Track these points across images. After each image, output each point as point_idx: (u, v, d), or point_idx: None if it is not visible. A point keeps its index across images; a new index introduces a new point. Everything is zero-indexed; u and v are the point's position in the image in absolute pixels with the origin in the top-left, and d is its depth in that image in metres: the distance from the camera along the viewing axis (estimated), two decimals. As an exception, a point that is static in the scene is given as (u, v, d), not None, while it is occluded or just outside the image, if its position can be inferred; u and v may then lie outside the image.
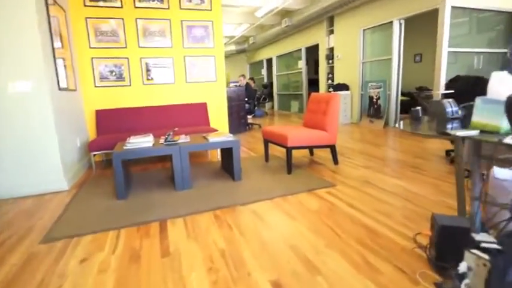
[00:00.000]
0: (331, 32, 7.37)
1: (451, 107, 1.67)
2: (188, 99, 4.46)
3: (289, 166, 2.99)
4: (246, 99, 6.14)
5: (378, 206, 2.12)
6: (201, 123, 4.30)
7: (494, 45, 5.18)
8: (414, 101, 8.28)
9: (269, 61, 11.38)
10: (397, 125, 5.59)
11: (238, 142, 2.79)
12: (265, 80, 11.76)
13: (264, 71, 12.03)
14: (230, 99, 5.77)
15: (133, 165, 3.68)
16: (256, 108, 9.52)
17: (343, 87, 6.78)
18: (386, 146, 4.15)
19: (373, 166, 3.15)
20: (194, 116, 4.30)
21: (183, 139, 2.85)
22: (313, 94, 3.56)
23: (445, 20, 4.52)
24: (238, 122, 5.92)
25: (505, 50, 5.21)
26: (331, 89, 7.11)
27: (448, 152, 3.41)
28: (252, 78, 9.82)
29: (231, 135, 2.90)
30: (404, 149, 3.90)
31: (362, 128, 5.98)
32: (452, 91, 3.22)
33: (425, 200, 2.19)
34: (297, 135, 2.96)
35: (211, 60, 4.49)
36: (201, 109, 4.37)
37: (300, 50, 8.93)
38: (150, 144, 2.63)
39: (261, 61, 12.02)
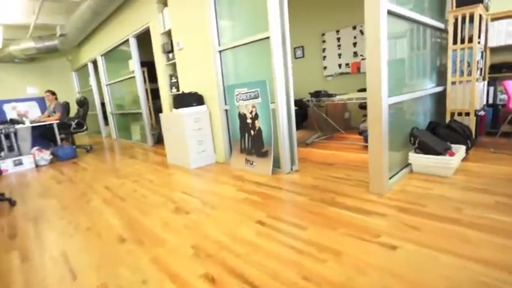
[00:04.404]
0: (165, 3, 4.22)
1: None
2: None
3: None
4: None
5: None
6: None
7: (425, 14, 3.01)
8: (304, 111, 6.02)
9: (95, 64, 7.43)
10: (294, 168, 2.65)
11: None
12: (94, 94, 7.71)
13: (92, 80, 7.96)
14: None
15: None
16: (62, 142, 5.41)
17: (194, 98, 3.70)
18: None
19: None
20: None
21: None
22: None
23: None
24: None
25: (439, 24, 3.15)
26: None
27: None
28: (53, 93, 5.72)
29: None
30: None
31: (235, 176, 3.01)
32: None
33: None
34: None
35: None
36: None
37: (128, 41, 5.47)
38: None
39: (87, 65, 7.92)
